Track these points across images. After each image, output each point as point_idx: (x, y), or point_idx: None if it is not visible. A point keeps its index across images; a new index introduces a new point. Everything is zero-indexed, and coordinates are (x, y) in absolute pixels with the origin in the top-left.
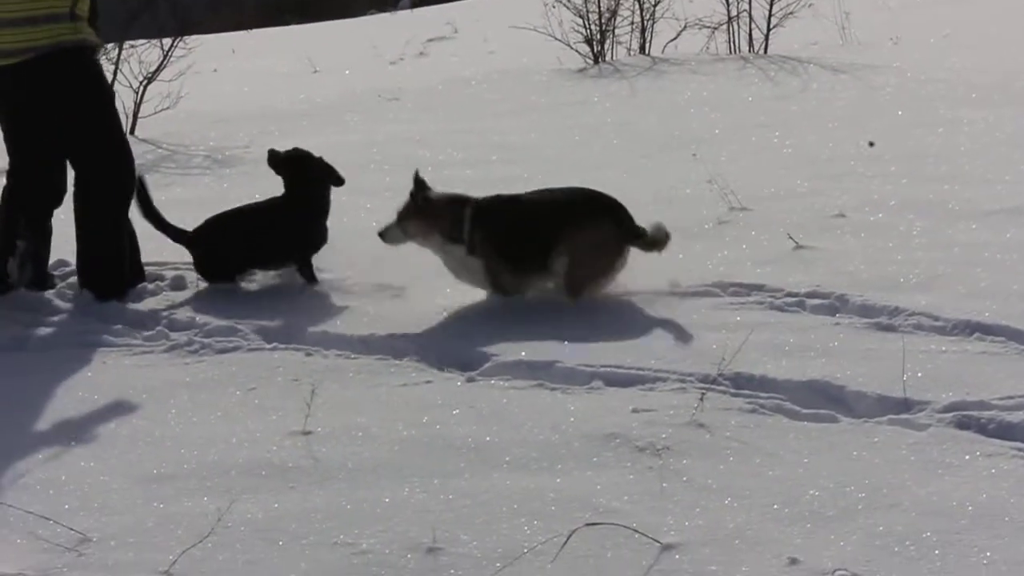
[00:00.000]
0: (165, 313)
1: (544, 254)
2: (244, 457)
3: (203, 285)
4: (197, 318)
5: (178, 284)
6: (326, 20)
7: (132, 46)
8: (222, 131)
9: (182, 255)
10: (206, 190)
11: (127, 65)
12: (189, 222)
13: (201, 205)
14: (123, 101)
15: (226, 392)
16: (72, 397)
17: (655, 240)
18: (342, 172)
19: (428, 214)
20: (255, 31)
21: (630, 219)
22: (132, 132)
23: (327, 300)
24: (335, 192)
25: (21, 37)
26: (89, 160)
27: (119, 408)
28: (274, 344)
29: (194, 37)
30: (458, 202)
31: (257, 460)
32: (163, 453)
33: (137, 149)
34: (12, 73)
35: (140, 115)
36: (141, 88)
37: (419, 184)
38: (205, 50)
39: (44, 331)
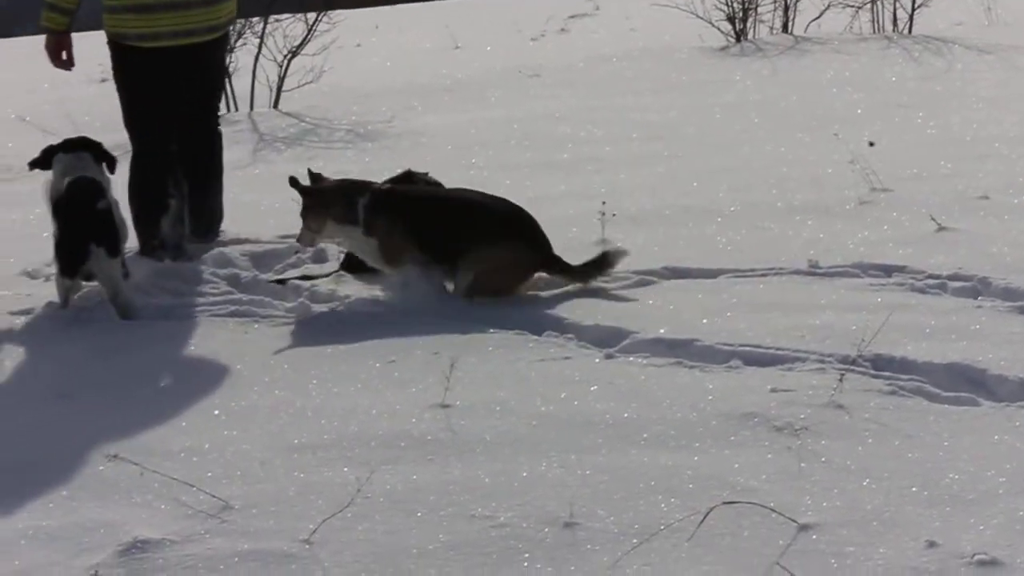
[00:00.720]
0: (307, 285)
1: (449, 254)
2: (384, 428)
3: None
4: (338, 290)
5: (319, 257)
6: None
7: (276, 20)
8: (364, 105)
9: None
10: (348, 164)
11: (271, 39)
12: None
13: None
14: (267, 75)
15: (366, 364)
16: (215, 367)
17: (584, 273)
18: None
19: (321, 204)
20: (398, 6)
21: (546, 243)
22: (275, 106)
23: None
24: (476, 169)
25: (204, 17)
26: (215, 125)
27: (261, 378)
28: (414, 317)
29: (338, 12)
30: (352, 187)
31: (396, 432)
32: (304, 423)
33: (280, 122)
34: (193, 52)
35: (283, 89)
36: (285, 62)
37: (313, 178)
38: (348, 25)
39: (189, 301)
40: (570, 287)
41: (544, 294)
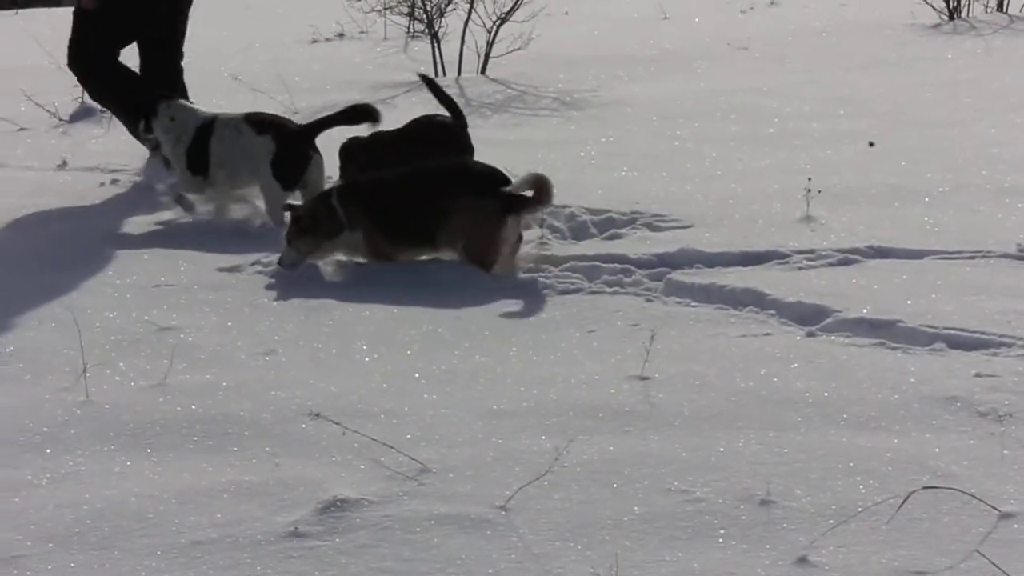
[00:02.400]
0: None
1: (428, 229)
2: (582, 398)
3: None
4: (543, 258)
5: (522, 224)
6: None
7: None
8: (571, 73)
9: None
10: (554, 132)
11: (481, 5)
12: (535, 163)
13: (550, 146)
14: (476, 40)
15: (566, 333)
16: (416, 331)
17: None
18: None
19: (307, 225)
20: None
21: (505, 193)
22: (483, 71)
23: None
24: (680, 140)
25: None
26: None
27: (462, 343)
28: (615, 289)
29: None
30: (321, 196)
31: (595, 402)
32: (503, 389)
33: (487, 88)
34: None
35: (491, 55)
36: (494, 28)
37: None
38: None
39: (392, 266)
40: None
41: (746, 269)
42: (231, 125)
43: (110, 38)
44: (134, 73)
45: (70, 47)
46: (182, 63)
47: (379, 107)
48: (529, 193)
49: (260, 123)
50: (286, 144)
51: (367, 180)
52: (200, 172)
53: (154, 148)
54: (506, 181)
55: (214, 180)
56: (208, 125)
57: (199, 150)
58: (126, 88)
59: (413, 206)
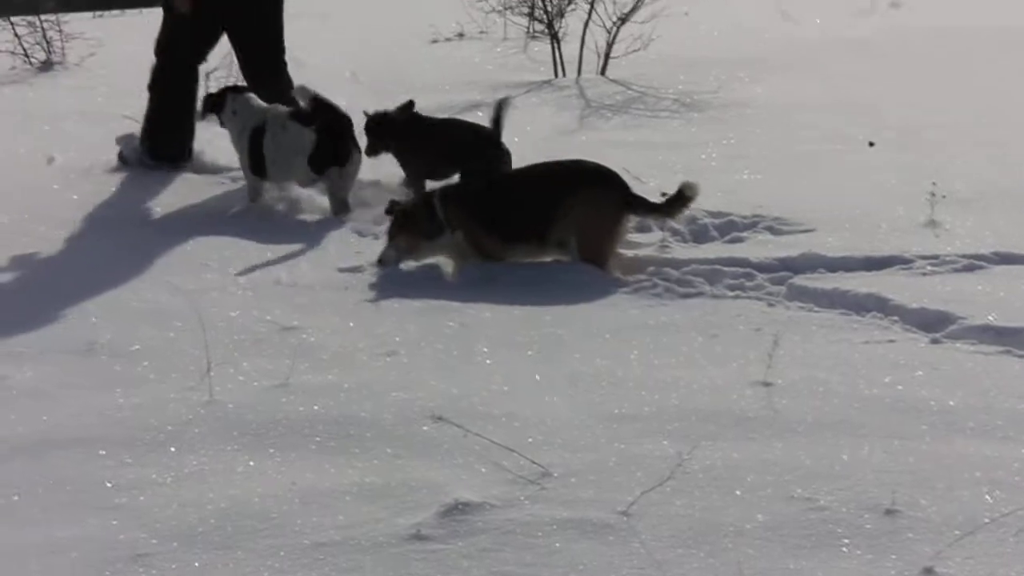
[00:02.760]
0: (630, 254)
1: (540, 226)
2: (704, 403)
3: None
4: (664, 261)
5: (643, 226)
6: None
7: None
8: (691, 74)
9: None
10: (674, 133)
11: (601, 5)
12: (655, 164)
13: (670, 148)
14: (596, 41)
15: (688, 337)
16: (537, 333)
17: (668, 209)
18: None
19: (406, 223)
20: None
21: (624, 184)
22: (603, 72)
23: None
24: (802, 142)
25: None
26: None
27: (583, 346)
28: (736, 293)
29: None
30: (423, 196)
31: (717, 407)
32: (625, 394)
33: (607, 89)
34: None
35: (611, 56)
36: (614, 29)
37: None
38: None
39: (512, 266)
40: None
41: (869, 274)
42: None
43: (201, 39)
44: (193, 99)
45: (159, 43)
46: (284, 57)
47: None
48: (655, 199)
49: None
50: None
51: (470, 183)
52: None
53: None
54: (621, 180)
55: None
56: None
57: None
58: (181, 102)
59: (526, 203)
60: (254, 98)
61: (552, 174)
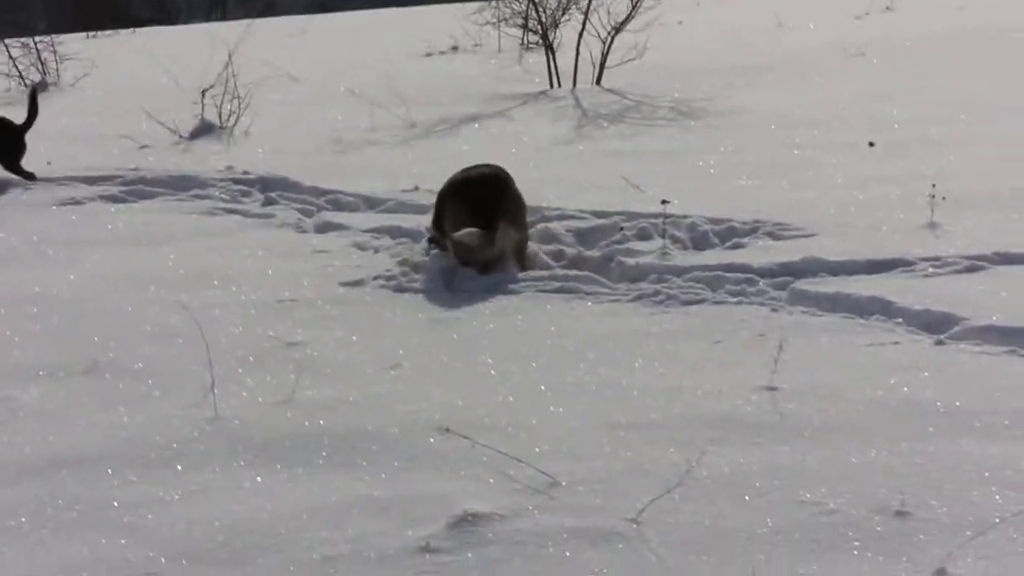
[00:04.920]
0: (631, 262)
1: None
2: (710, 410)
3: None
4: (666, 269)
5: (643, 234)
6: None
7: None
8: (686, 83)
9: (650, 207)
10: (671, 141)
11: (595, 16)
12: (653, 173)
13: (667, 156)
14: (591, 51)
15: (691, 344)
16: (541, 342)
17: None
18: None
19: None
20: None
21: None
22: (598, 82)
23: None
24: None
25: None
26: None
27: (587, 355)
28: (739, 299)
29: None
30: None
31: (723, 413)
32: (630, 402)
33: (602, 99)
34: None
35: (607, 65)
36: (608, 39)
37: None
38: (670, 2)
39: (514, 278)
40: None
41: (871, 277)
42: None
43: None
44: None
45: None
46: None
47: (496, 119)
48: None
49: None
50: None
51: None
52: None
53: None
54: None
55: None
56: None
57: None
58: None
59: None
60: None
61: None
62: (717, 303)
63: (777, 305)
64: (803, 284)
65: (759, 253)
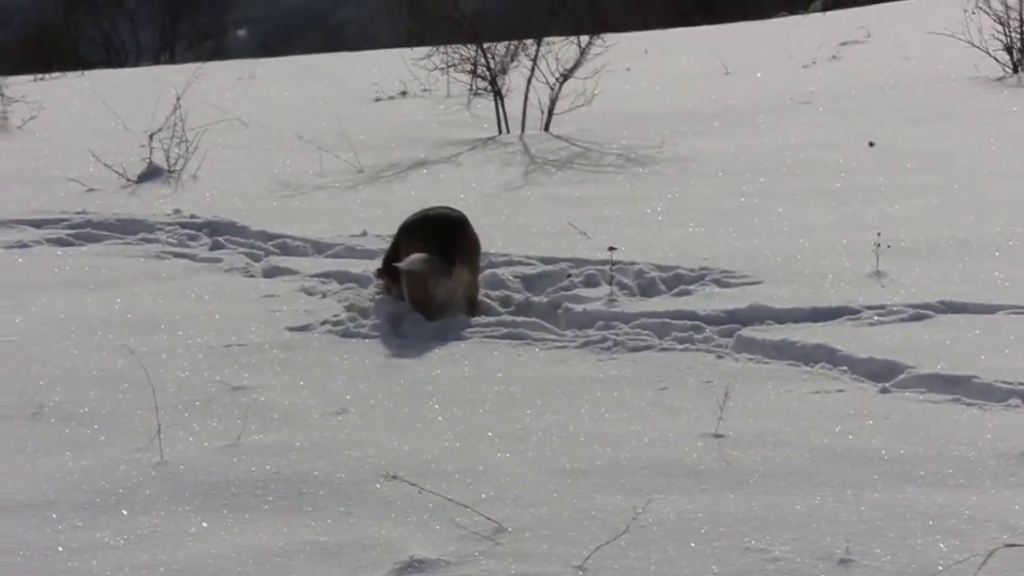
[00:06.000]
0: (579, 308)
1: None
2: (656, 456)
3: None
4: (613, 315)
5: (591, 280)
6: (735, 21)
7: (550, 43)
8: (634, 129)
9: (598, 253)
10: (619, 188)
11: (544, 62)
12: (601, 219)
13: (615, 203)
14: (539, 97)
15: (638, 391)
16: (488, 388)
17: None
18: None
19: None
20: (667, 31)
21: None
22: (546, 128)
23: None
24: (747, 196)
25: None
26: None
27: (533, 401)
28: (685, 345)
29: (609, 36)
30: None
31: (669, 460)
32: (577, 448)
33: (551, 145)
34: None
35: (555, 112)
36: (557, 85)
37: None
38: (618, 49)
39: (461, 322)
40: None
41: (817, 325)
42: None
43: None
44: None
45: None
46: None
47: (444, 164)
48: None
49: None
50: None
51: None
52: None
53: None
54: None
55: None
56: None
57: None
58: None
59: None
60: None
61: (402, 226)
62: (664, 350)
63: (723, 352)
64: (749, 332)
65: (706, 300)
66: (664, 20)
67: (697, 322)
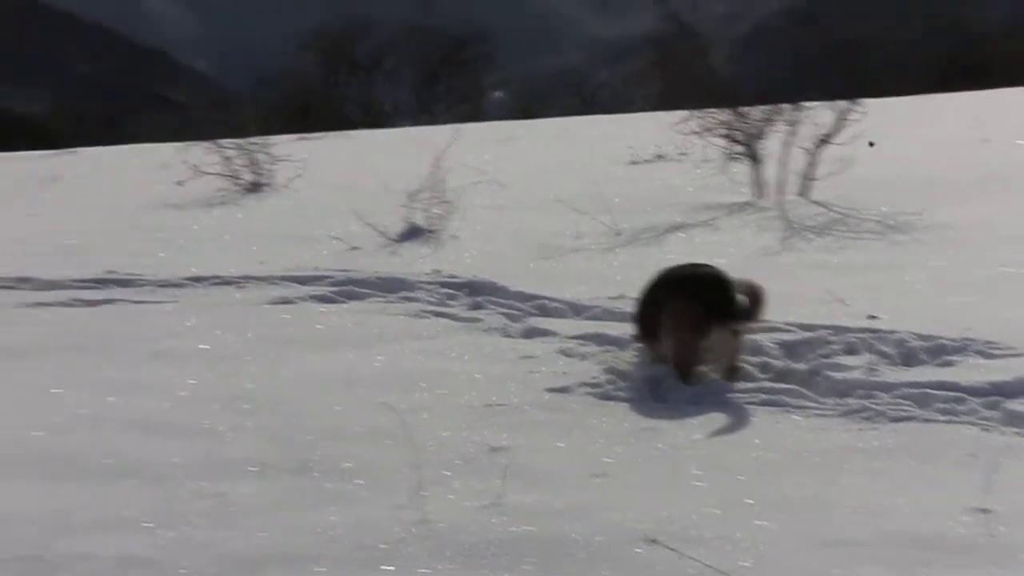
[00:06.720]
0: (838, 376)
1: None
2: (919, 530)
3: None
4: (874, 384)
5: (851, 348)
6: (997, 88)
7: (807, 108)
8: (893, 196)
9: (858, 321)
10: (878, 255)
11: (801, 127)
12: (860, 286)
13: (874, 270)
14: (795, 162)
15: (900, 462)
16: (747, 455)
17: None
18: None
19: None
20: (926, 96)
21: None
22: (803, 194)
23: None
24: (1007, 265)
25: None
26: None
27: (793, 470)
28: (948, 417)
29: (866, 100)
30: None
31: (933, 534)
32: (837, 519)
33: (808, 211)
34: None
35: (811, 177)
36: (815, 150)
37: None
38: (873, 115)
39: (722, 387)
40: None
41: None
42: None
43: None
44: None
45: None
46: None
47: (701, 228)
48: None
49: None
50: None
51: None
52: None
53: None
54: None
55: None
56: None
57: None
58: None
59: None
60: None
61: (660, 283)
62: (926, 421)
63: (988, 425)
64: (1016, 404)
65: (969, 371)
66: (922, 86)
67: (960, 393)
